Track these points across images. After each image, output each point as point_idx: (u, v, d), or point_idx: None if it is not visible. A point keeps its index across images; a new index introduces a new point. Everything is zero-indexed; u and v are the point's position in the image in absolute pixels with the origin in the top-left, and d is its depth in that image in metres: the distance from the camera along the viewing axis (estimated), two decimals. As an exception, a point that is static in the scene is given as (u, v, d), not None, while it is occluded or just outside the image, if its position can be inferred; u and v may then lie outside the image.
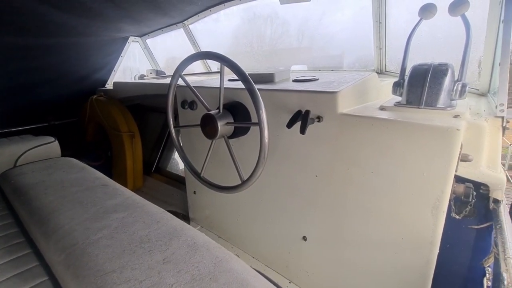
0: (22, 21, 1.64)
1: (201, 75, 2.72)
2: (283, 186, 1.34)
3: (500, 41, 1.17)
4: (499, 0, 1.22)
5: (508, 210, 1.13)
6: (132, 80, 3.00)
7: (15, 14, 1.54)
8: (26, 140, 1.88)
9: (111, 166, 2.68)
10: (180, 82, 1.34)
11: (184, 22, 2.52)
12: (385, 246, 1.07)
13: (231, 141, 1.38)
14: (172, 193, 2.38)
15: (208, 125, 1.24)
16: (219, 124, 1.21)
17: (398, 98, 1.17)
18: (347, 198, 1.13)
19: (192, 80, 1.43)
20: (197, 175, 1.38)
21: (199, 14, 2.38)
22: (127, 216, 1.06)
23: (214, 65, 2.88)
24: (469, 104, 1.19)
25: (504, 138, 1.16)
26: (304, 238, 1.32)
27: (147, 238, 0.93)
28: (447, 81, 1.02)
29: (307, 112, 1.10)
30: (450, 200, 0.96)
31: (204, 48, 2.74)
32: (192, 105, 1.60)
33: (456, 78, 1.04)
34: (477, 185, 1.10)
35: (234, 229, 1.67)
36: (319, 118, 1.13)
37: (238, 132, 1.34)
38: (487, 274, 0.94)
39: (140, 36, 2.89)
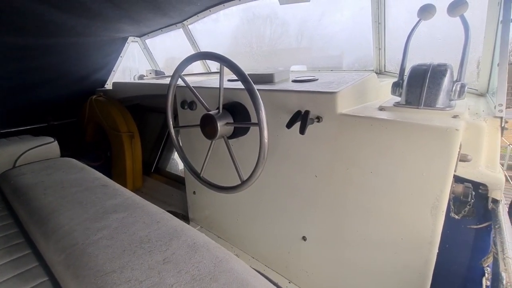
0: (22, 21, 1.64)
1: (201, 76, 2.72)
2: (282, 186, 1.34)
3: (499, 41, 1.17)
4: (498, 1, 1.23)
5: (507, 210, 1.14)
6: (132, 80, 3.00)
7: (15, 14, 1.54)
8: (25, 141, 1.88)
9: (110, 167, 2.68)
10: (180, 82, 1.34)
11: (183, 22, 2.52)
12: (384, 246, 1.08)
13: (230, 141, 1.38)
14: (172, 194, 2.38)
15: (207, 125, 1.24)
16: (218, 125, 1.21)
17: (397, 99, 1.18)
18: (346, 198, 1.14)
19: (191, 81, 1.43)
20: (196, 175, 1.38)
21: (198, 14, 2.38)
22: (127, 217, 1.06)
23: (214, 66, 2.88)
24: (468, 104, 1.20)
25: (503, 138, 1.17)
26: (304, 238, 1.33)
27: (147, 239, 0.93)
28: (446, 81, 1.02)
29: (307, 112, 1.10)
30: (449, 200, 0.96)
31: (204, 48, 2.74)
32: (191, 105, 1.60)
33: (455, 79, 1.04)
34: (476, 185, 1.10)
35: (233, 229, 1.67)
36: (318, 119, 1.13)
37: (238, 132, 1.34)
38: (486, 274, 0.94)
39: (139, 36, 2.88)
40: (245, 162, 1.35)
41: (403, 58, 1.19)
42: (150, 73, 2.99)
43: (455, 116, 0.97)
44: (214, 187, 1.31)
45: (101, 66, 2.77)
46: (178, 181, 2.48)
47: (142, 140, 2.59)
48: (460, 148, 0.89)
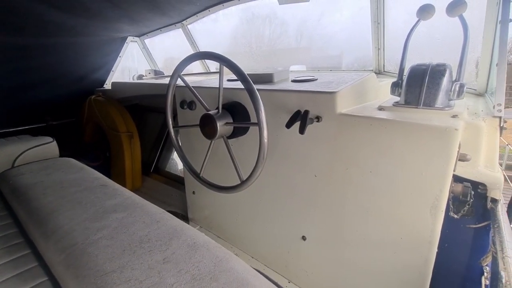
0: (21, 20, 1.64)
1: (200, 75, 2.72)
2: (282, 186, 1.34)
3: (498, 41, 1.17)
4: (496, 1, 1.23)
5: (506, 209, 1.14)
6: (131, 80, 3.00)
7: (14, 13, 1.54)
8: (24, 141, 1.88)
9: (109, 167, 2.67)
10: (179, 82, 1.34)
11: (182, 22, 2.52)
12: (384, 246, 1.08)
13: (230, 141, 1.38)
14: (171, 193, 2.38)
15: (207, 125, 1.24)
16: (218, 124, 1.21)
17: (397, 98, 1.18)
18: (346, 198, 1.14)
19: (190, 80, 1.43)
20: (196, 175, 1.38)
21: (197, 14, 2.38)
22: (126, 216, 1.06)
23: (213, 65, 2.88)
24: (467, 104, 1.20)
25: (501, 138, 1.17)
26: (303, 238, 1.33)
27: (147, 238, 0.93)
28: (445, 81, 1.03)
29: (306, 112, 1.10)
30: (448, 200, 0.96)
31: (203, 48, 2.74)
32: (191, 105, 1.60)
33: (454, 78, 1.05)
34: (475, 185, 1.10)
35: (233, 229, 1.67)
36: (318, 118, 1.13)
37: (237, 132, 1.34)
38: (485, 273, 0.95)
39: (138, 36, 2.88)
40: (245, 162, 1.35)
41: (402, 58, 1.19)
42: (149, 73, 2.98)
43: (454, 116, 0.97)
44: (214, 187, 1.31)
45: (100, 66, 2.77)
46: (177, 181, 2.48)
47: (141, 140, 2.59)
48: (459, 148, 0.89)
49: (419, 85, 1.06)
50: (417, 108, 1.07)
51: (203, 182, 1.36)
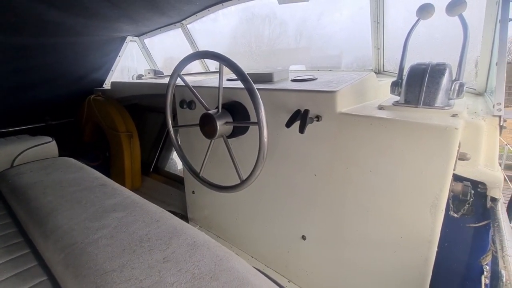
0: (20, 20, 1.63)
1: (199, 75, 2.72)
2: (282, 185, 1.34)
3: (497, 40, 1.18)
4: (496, 0, 1.23)
5: (506, 208, 1.14)
6: (130, 80, 2.99)
7: (13, 13, 1.53)
8: (23, 140, 1.87)
9: (109, 166, 2.67)
10: (179, 81, 1.34)
11: (182, 22, 2.52)
12: (384, 245, 1.08)
13: (230, 140, 1.38)
14: (171, 193, 2.37)
15: (207, 125, 1.24)
16: (218, 124, 1.21)
17: (396, 98, 1.18)
18: (346, 197, 1.14)
19: (190, 80, 1.43)
20: (196, 174, 1.37)
21: (197, 14, 2.38)
22: (126, 216, 1.06)
23: (212, 65, 2.88)
24: (466, 103, 1.20)
25: (500, 137, 1.17)
26: (303, 238, 1.33)
27: (147, 237, 0.92)
28: (445, 80, 1.03)
29: (306, 111, 1.10)
30: (448, 199, 0.97)
31: (202, 48, 2.74)
32: (190, 104, 1.59)
33: (453, 78, 1.05)
34: (475, 184, 1.10)
35: (233, 229, 1.67)
36: (318, 118, 1.13)
37: (237, 131, 1.34)
38: (485, 272, 0.95)
39: (138, 36, 2.88)
40: (245, 162, 1.35)
41: (402, 57, 1.19)
42: (149, 73, 2.98)
43: (454, 115, 0.97)
44: (214, 187, 1.31)
45: (100, 66, 2.76)
46: (177, 181, 2.47)
47: (141, 140, 2.59)
48: (459, 147, 0.89)
49: (419, 84, 1.06)
50: (417, 107, 1.07)
51: (203, 181, 1.36)
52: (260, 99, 1.02)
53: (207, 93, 1.48)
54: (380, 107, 1.13)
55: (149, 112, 2.94)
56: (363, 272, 1.17)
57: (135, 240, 0.91)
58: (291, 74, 1.63)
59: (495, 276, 0.82)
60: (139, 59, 3.23)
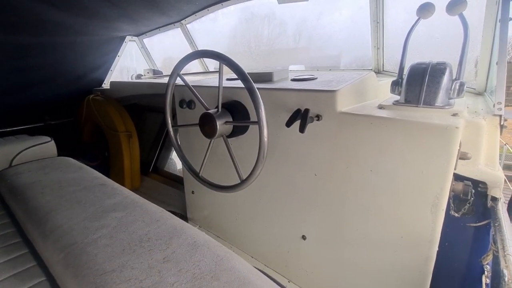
0: (19, 19, 1.63)
1: (198, 75, 2.71)
2: (282, 185, 1.34)
3: (497, 40, 1.18)
4: (496, 0, 1.23)
5: (506, 208, 1.14)
6: (129, 80, 2.99)
7: (12, 12, 1.52)
8: (21, 140, 1.86)
9: (108, 166, 2.66)
10: (178, 81, 1.33)
11: (181, 22, 2.52)
12: (384, 245, 1.08)
13: (230, 140, 1.38)
14: (170, 193, 2.37)
15: (206, 124, 1.24)
16: (218, 123, 1.21)
17: (397, 97, 1.18)
18: (346, 197, 1.14)
19: (189, 80, 1.43)
20: (195, 174, 1.37)
21: (196, 14, 2.37)
22: (126, 215, 1.05)
23: (211, 65, 2.88)
24: (466, 103, 1.20)
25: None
26: (303, 237, 1.32)
27: (147, 237, 0.92)
28: (445, 79, 1.02)
29: (306, 110, 1.10)
30: (449, 198, 0.96)
31: (202, 47, 2.73)
32: (190, 104, 1.59)
33: (454, 77, 1.05)
34: (476, 183, 1.10)
35: (232, 229, 1.66)
36: (318, 117, 1.13)
37: (237, 131, 1.34)
38: (485, 272, 0.94)
39: (137, 36, 2.87)
40: (245, 161, 1.34)
41: (402, 56, 1.19)
42: (148, 73, 2.97)
43: (454, 114, 0.97)
44: (213, 187, 1.30)
45: (99, 65, 2.76)
46: (176, 181, 2.47)
47: (140, 140, 2.58)
48: (460, 146, 0.89)
49: (419, 83, 1.06)
50: (417, 106, 1.06)
51: (203, 181, 1.35)
52: (260, 99, 1.01)
53: (206, 93, 1.47)
54: (381, 107, 1.12)
55: (148, 112, 2.94)
56: (363, 272, 1.17)
57: (135, 240, 0.91)
58: (291, 73, 1.63)
59: (496, 276, 0.82)
60: (138, 59, 3.22)
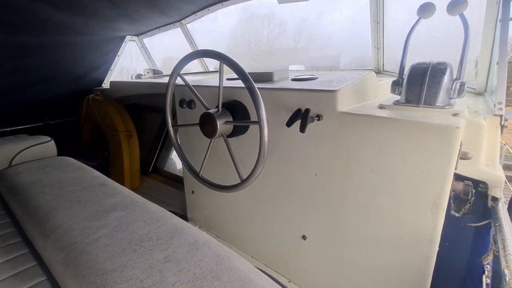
0: (18, 19, 1.62)
1: (198, 75, 2.71)
2: (282, 185, 1.34)
3: (498, 40, 1.18)
4: (496, 0, 1.23)
5: (507, 208, 1.14)
6: (129, 80, 2.99)
7: (11, 12, 1.52)
8: (21, 140, 1.86)
9: (108, 166, 2.66)
10: (178, 81, 1.33)
11: (181, 21, 2.51)
12: (384, 245, 1.08)
13: (230, 140, 1.38)
14: (170, 193, 2.37)
15: (207, 124, 1.24)
16: (218, 123, 1.21)
17: (397, 97, 1.18)
18: (346, 197, 1.14)
19: (189, 79, 1.43)
20: (195, 174, 1.37)
21: (196, 13, 2.37)
22: (126, 215, 1.05)
23: (211, 65, 2.88)
24: (467, 103, 1.20)
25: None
26: (304, 237, 1.32)
27: (148, 237, 0.92)
28: (446, 79, 1.02)
29: (307, 110, 1.10)
30: (449, 198, 0.96)
31: (201, 47, 2.73)
32: (190, 104, 1.59)
33: (454, 77, 1.05)
34: (476, 183, 1.10)
35: (233, 229, 1.66)
36: (318, 117, 1.13)
37: (237, 131, 1.34)
38: (486, 272, 0.95)
39: (137, 35, 2.87)
40: (245, 161, 1.34)
41: (403, 56, 1.19)
42: (148, 72, 2.97)
43: (455, 114, 0.97)
44: (213, 186, 1.30)
45: (98, 65, 2.76)
46: (176, 181, 2.46)
47: (140, 140, 2.58)
48: (460, 146, 0.89)
49: (419, 83, 1.06)
50: (417, 106, 1.06)
51: (203, 181, 1.35)
52: (261, 98, 1.01)
53: (207, 93, 1.47)
54: (381, 107, 1.12)
55: (148, 111, 2.94)
56: (363, 272, 1.17)
57: (135, 240, 0.91)
58: (291, 73, 1.63)
59: (497, 276, 0.82)
60: (138, 59, 3.22)
